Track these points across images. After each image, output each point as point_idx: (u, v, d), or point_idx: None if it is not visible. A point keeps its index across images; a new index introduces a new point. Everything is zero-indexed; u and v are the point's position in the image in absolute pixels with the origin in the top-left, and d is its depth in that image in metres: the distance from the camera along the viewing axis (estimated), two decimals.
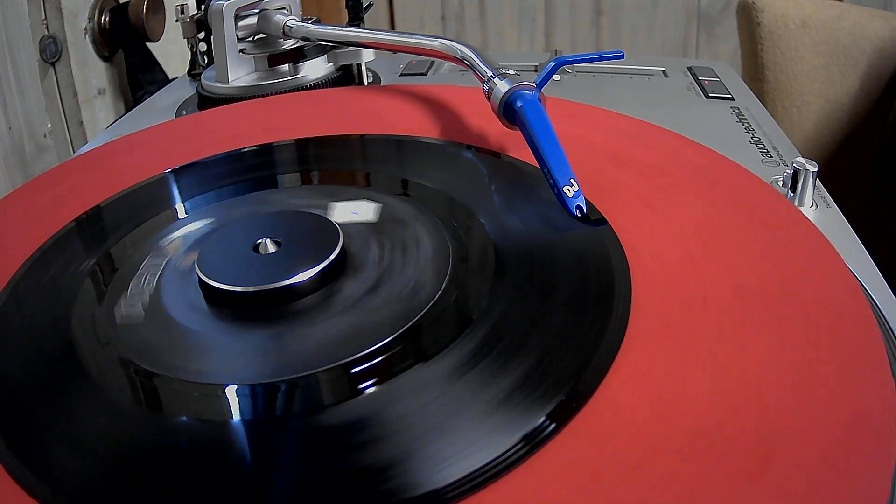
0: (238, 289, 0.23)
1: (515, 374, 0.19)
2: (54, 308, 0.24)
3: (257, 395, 0.20)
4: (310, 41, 0.46)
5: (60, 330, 0.23)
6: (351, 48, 0.46)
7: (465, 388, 0.19)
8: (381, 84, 0.50)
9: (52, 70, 0.63)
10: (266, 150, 0.34)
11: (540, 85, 0.30)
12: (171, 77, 0.68)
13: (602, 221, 0.25)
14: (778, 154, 0.37)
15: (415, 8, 1.17)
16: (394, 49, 0.42)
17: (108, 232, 0.29)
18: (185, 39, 0.56)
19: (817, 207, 0.32)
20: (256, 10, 0.46)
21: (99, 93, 0.68)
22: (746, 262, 0.23)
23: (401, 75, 0.52)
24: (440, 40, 0.37)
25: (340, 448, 0.18)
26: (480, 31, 1.17)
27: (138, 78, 0.69)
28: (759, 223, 0.25)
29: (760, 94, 0.69)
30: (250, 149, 0.34)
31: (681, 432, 0.17)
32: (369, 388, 0.19)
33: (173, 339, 0.22)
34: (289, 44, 0.46)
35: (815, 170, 0.31)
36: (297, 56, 0.46)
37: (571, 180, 0.26)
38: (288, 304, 0.23)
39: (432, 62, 0.54)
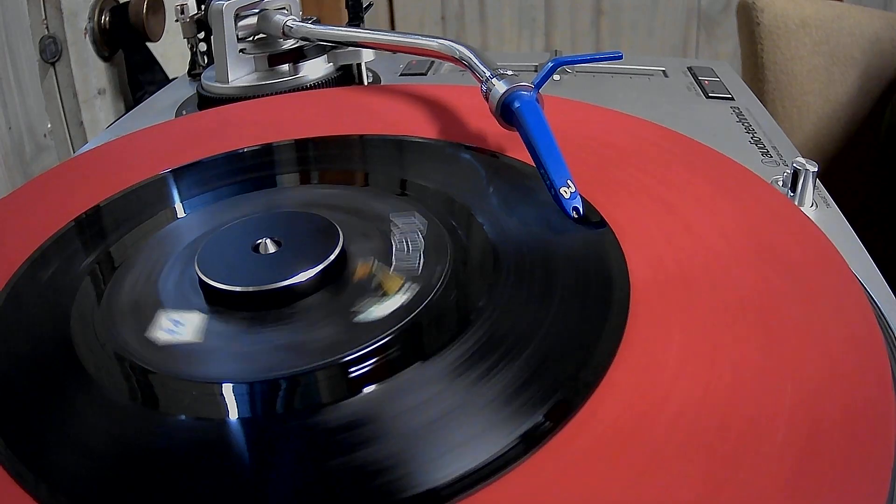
0: (238, 289, 0.23)
1: (514, 373, 0.19)
2: (54, 308, 0.24)
3: (255, 394, 0.20)
4: (310, 41, 0.46)
5: (60, 329, 0.23)
6: (351, 48, 0.46)
7: (463, 387, 0.19)
8: (381, 84, 0.50)
9: (52, 70, 0.63)
10: (266, 151, 0.34)
11: (538, 86, 0.30)
12: (171, 77, 0.68)
13: (601, 222, 0.25)
14: (778, 154, 0.37)
15: (415, 8, 1.17)
16: (393, 49, 0.42)
17: (107, 232, 0.29)
18: (185, 39, 0.56)
19: (817, 207, 0.32)
20: (256, 10, 0.46)
21: (99, 93, 0.68)
22: (746, 261, 0.23)
23: (401, 75, 0.52)
24: (439, 41, 0.37)
25: (339, 446, 0.18)
26: (480, 31, 1.17)
27: (138, 78, 0.69)
28: (760, 223, 0.25)
29: (760, 94, 0.69)
30: (250, 149, 0.34)
31: (679, 432, 0.17)
32: (368, 387, 0.19)
33: (173, 338, 0.22)
34: (289, 44, 0.47)
35: (815, 170, 0.31)
36: (297, 56, 0.46)
37: (568, 181, 0.26)
38: (288, 304, 0.23)
39: (432, 62, 0.54)
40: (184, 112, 0.48)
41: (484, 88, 0.32)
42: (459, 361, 0.20)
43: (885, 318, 0.24)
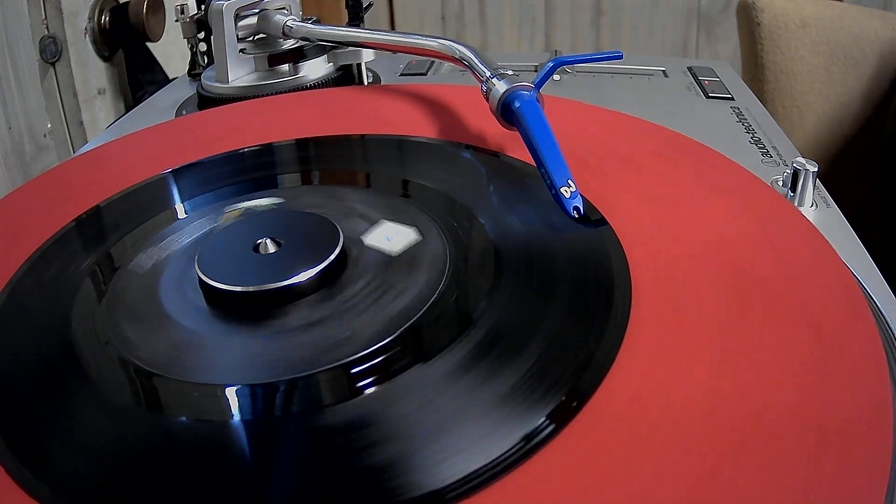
0: (238, 289, 0.23)
1: (515, 374, 0.19)
2: (54, 308, 0.24)
3: (257, 396, 0.20)
4: (310, 41, 0.46)
5: (60, 330, 0.23)
6: (351, 48, 0.46)
7: (465, 388, 0.19)
8: (381, 84, 0.50)
9: (52, 70, 0.63)
10: (266, 151, 0.34)
11: (538, 85, 0.30)
12: (171, 77, 0.68)
13: (602, 221, 0.25)
14: (778, 154, 0.37)
15: (415, 8, 1.17)
16: (393, 49, 0.42)
17: (108, 232, 0.29)
18: (185, 39, 0.56)
19: (817, 207, 0.32)
20: (256, 10, 0.46)
21: (99, 93, 0.68)
22: (746, 261, 0.23)
23: (401, 75, 0.52)
24: (439, 40, 0.37)
25: (341, 448, 0.18)
26: (480, 31, 1.17)
27: (138, 78, 0.69)
28: (759, 223, 0.25)
29: (760, 94, 0.69)
30: (250, 149, 0.34)
31: (680, 432, 0.17)
32: (369, 389, 0.19)
33: (173, 338, 0.22)
34: (289, 44, 0.46)
35: (815, 170, 0.31)
36: (297, 56, 0.46)
37: (569, 181, 0.26)
38: (288, 304, 0.23)
39: (432, 62, 0.54)
40: (184, 112, 0.48)
41: (484, 88, 0.32)
42: (461, 363, 0.20)
43: (884, 318, 0.24)
